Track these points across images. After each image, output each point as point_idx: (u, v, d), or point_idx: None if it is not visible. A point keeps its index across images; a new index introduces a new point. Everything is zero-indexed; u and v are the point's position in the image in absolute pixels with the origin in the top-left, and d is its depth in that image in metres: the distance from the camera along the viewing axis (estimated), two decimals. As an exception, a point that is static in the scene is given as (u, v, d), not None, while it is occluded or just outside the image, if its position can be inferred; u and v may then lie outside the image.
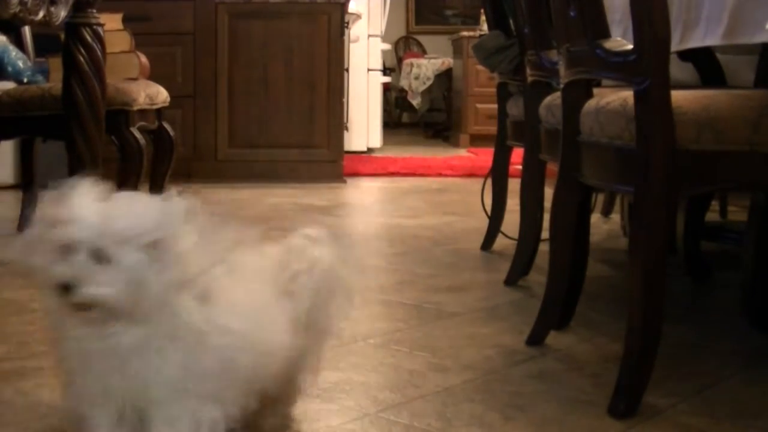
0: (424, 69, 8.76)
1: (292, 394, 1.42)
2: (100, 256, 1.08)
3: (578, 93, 1.78)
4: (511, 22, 2.83)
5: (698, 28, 1.86)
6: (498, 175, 3.03)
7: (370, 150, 6.78)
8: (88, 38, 2.63)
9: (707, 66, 2.43)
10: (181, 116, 4.83)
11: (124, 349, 1.11)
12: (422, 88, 8.75)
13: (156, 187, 3.31)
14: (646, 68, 1.47)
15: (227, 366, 1.16)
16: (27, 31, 3.39)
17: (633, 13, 1.48)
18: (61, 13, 2.57)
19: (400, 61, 9.74)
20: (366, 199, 4.60)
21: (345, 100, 5.42)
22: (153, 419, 1.14)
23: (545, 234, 2.06)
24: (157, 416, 1.14)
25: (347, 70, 5.81)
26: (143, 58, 3.22)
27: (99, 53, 2.65)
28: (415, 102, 8.85)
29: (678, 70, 2.37)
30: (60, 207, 1.11)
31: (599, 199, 3.80)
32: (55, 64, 3.08)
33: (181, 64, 4.92)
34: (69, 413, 1.23)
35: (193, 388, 1.13)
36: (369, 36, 6.77)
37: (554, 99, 2.08)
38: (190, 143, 4.94)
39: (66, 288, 1.08)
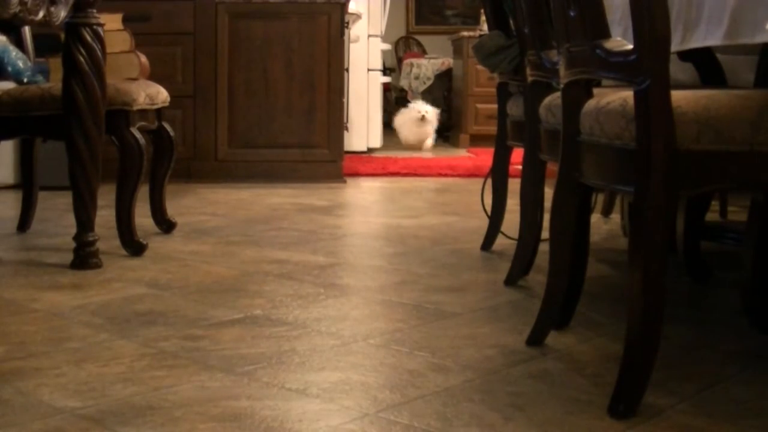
0: (424, 69, 8.75)
1: None
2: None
3: (578, 93, 1.78)
4: (511, 22, 2.83)
5: (699, 28, 1.86)
6: (498, 175, 3.03)
7: (370, 150, 6.78)
8: (88, 38, 2.63)
9: (707, 66, 2.43)
10: (181, 116, 4.83)
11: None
12: (422, 88, 8.74)
13: (156, 187, 3.32)
14: (646, 68, 1.47)
15: None
16: (27, 31, 3.39)
17: (633, 13, 1.48)
18: (61, 13, 2.57)
19: (400, 61, 9.74)
20: (366, 199, 4.60)
21: (345, 100, 5.42)
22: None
23: (545, 234, 2.06)
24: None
25: (347, 70, 5.82)
26: (143, 58, 3.22)
27: (99, 53, 2.66)
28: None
29: (678, 70, 2.38)
30: None
31: (599, 199, 3.80)
32: (55, 64, 3.08)
33: (181, 64, 4.92)
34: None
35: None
36: (369, 36, 6.77)
37: (554, 99, 2.08)
38: (190, 143, 4.94)
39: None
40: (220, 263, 2.80)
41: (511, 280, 2.54)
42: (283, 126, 5.00)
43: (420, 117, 6.99)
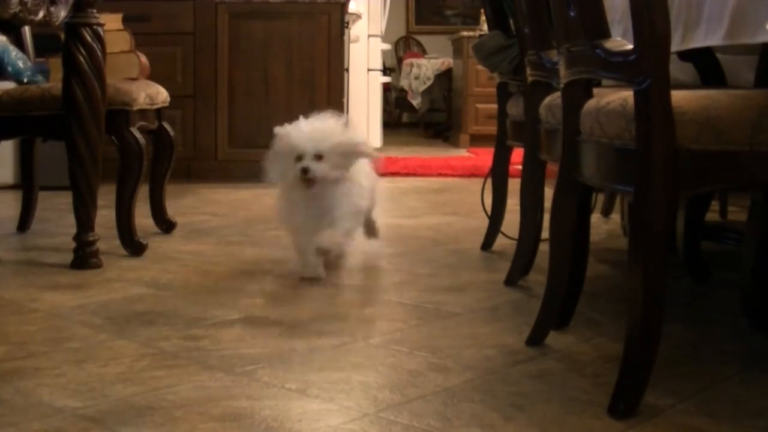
0: (424, 69, 8.75)
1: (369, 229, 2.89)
2: (319, 156, 2.43)
3: (578, 93, 1.78)
4: (511, 22, 2.83)
5: (699, 28, 1.86)
6: (498, 175, 3.03)
7: (370, 150, 6.78)
8: (88, 38, 2.63)
9: (707, 66, 2.43)
10: (181, 116, 4.83)
11: (327, 195, 2.48)
12: (422, 88, 8.75)
13: (156, 187, 3.32)
14: (646, 68, 1.47)
15: (362, 207, 2.61)
16: (27, 31, 3.39)
17: (633, 13, 1.48)
18: (61, 13, 2.57)
19: (400, 61, 9.74)
20: (366, 199, 4.59)
21: (345, 100, 5.42)
22: (333, 226, 2.48)
23: (545, 234, 2.06)
24: (335, 224, 2.49)
25: (347, 70, 5.81)
26: (143, 58, 3.22)
27: (99, 53, 2.66)
28: (415, 102, 8.85)
29: (678, 70, 2.38)
30: (293, 130, 2.48)
31: (599, 199, 3.80)
32: (55, 64, 3.08)
33: (181, 64, 4.93)
34: (285, 227, 2.68)
35: (350, 214, 2.53)
36: (369, 36, 6.77)
37: (554, 99, 2.08)
38: (190, 143, 4.94)
39: (304, 171, 2.42)
40: (220, 263, 2.80)
41: (511, 280, 2.53)
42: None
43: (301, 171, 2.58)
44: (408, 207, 4.15)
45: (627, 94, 1.56)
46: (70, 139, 2.65)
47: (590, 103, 1.72)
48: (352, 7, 5.73)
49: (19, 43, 3.34)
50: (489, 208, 3.06)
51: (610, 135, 1.60)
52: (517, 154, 2.69)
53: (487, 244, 3.06)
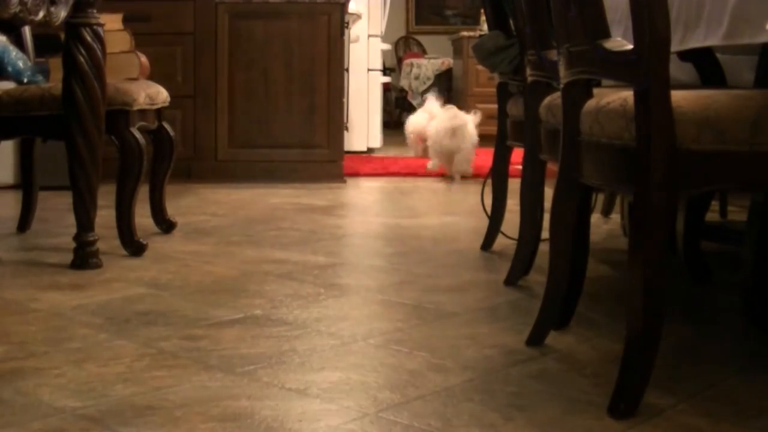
0: (424, 69, 8.75)
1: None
2: None
3: (578, 93, 1.78)
4: (511, 22, 2.83)
5: (699, 28, 1.86)
6: (498, 175, 3.03)
7: (370, 150, 6.78)
8: (88, 38, 2.63)
9: (707, 66, 2.43)
10: (181, 116, 4.83)
11: None
12: (422, 88, 8.74)
13: (156, 187, 3.32)
14: (646, 68, 1.47)
15: None
16: (27, 31, 3.39)
17: (633, 13, 1.48)
18: (61, 13, 2.57)
19: (400, 61, 9.74)
20: (366, 199, 4.60)
21: (345, 100, 5.42)
22: None
23: (545, 234, 2.06)
24: None
25: (347, 70, 5.82)
26: (143, 58, 3.22)
27: (99, 53, 2.66)
28: (415, 102, 8.85)
29: (678, 70, 2.38)
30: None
31: (599, 199, 3.80)
32: (55, 64, 3.08)
33: (181, 64, 4.92)
34: None
35: None
36: (369, 36, 6.77)
37: (554, 99, 2.08)
38: (190, 143, 4.94)
39: None
40: (220, 263, 2.80)
41: (511, 280, 2.53)
42: (283, 126, 5.00)
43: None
44: (408, 207, 4.15)
45: (627, 94, 1.56)
46: (70, 139, 2.66)
47: (590, 103, 1.72)
48: (352, 7, 5.73)
49: (19, 43, 3.34)
50: (489, 208, 3.06)
51: (610, 135, 1.60)
52: (517, 154, 2.69)
53: (487, 244, 3.06)
